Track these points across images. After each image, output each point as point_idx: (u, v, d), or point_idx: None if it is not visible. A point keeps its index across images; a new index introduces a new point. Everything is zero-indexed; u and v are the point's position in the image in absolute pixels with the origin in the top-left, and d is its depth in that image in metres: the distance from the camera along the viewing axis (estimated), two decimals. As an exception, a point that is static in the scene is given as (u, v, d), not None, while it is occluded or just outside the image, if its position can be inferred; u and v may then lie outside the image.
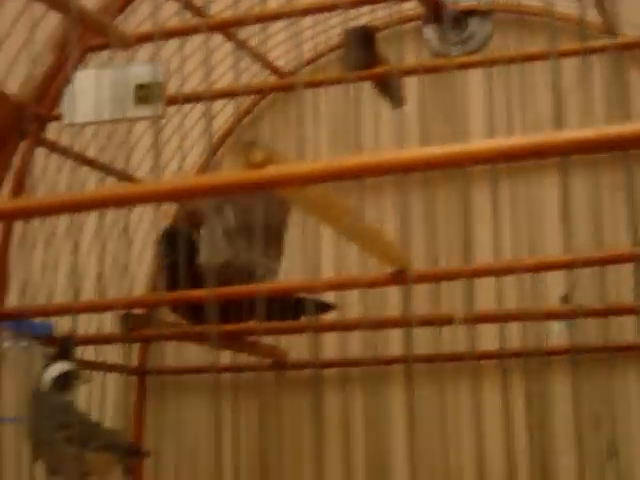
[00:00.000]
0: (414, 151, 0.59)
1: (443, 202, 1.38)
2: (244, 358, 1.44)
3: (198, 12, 1.27)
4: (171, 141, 1.46)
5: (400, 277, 0.97)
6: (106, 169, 1.35)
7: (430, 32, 1.45)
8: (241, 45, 1.35)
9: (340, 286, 1.08)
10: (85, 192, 0.68)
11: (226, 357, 1.45)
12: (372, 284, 1.02)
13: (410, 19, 1.46)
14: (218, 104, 1.47)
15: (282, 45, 1.46)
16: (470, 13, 1.43)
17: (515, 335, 1.30)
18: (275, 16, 1.22)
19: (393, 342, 1.39)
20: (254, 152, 0.64)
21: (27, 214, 0.69)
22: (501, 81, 1.38)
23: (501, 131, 1.32)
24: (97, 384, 1.38)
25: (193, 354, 1.48)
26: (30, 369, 1.13)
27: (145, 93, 1.20)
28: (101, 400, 1.38)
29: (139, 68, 1.22)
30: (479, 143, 0.58)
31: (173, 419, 1.47)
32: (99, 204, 0.66)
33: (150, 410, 1.52)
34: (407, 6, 1.45)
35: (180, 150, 1.47)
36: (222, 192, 0.64)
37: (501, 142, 0.57)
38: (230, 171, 0.64)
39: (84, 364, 1.31)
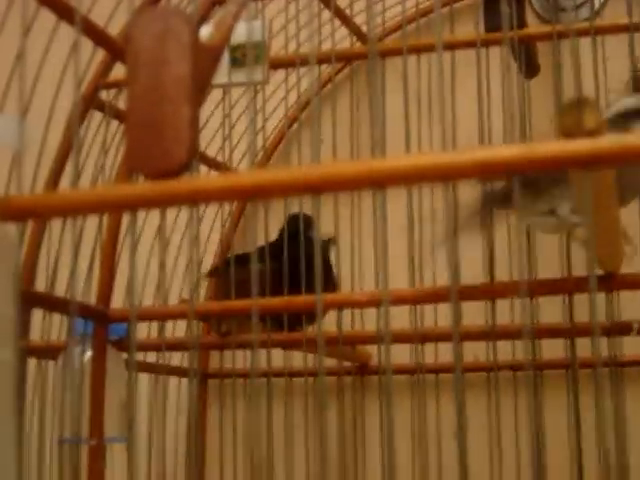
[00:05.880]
0: None
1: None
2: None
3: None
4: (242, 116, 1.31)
5: (610, 281, 0.82)
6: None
7: (538, -4, 1.30)
8: (330, 7, 1.19)
9: (537, 290, 0.92)
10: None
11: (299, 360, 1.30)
12: (577, 288, 0.87)
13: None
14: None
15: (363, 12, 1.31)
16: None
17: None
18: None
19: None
20: (587, 115, 0.48)
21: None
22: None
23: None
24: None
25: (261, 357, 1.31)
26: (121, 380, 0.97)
27: (245, 54, 1.03)
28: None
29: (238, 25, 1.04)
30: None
31: (241, 424, 1.32)
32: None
33: (214, 414, 1.37)
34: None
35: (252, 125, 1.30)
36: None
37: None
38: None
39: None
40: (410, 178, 0.50)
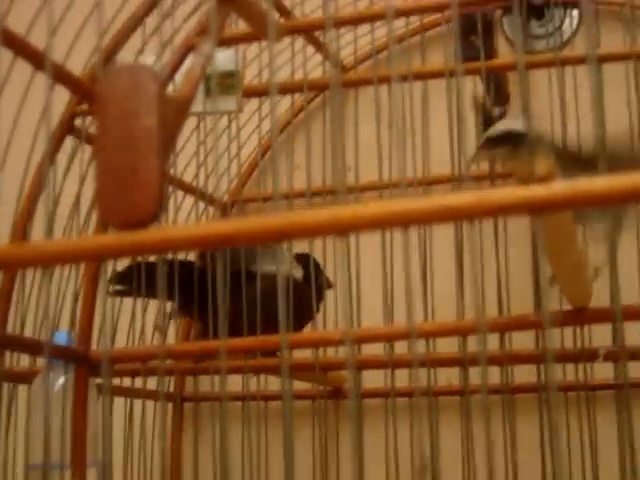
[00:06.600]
0: None
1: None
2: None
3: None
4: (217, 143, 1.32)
5: (579, 316, 0.84)
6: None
7: (509, 24, 1.32)
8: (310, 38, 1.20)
9: (507, 327, 0.94)
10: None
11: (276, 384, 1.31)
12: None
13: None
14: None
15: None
16: (556, 4, 1.30)
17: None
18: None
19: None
20: (539, 162, 0.50)
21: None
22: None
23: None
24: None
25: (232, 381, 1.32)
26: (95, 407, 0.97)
27: (219, 83, 1.04)
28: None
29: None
30: None
31: (218, 447, 1.32)
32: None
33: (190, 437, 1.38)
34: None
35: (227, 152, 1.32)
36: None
37: None
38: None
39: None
40: (375, 225, 0.51)
